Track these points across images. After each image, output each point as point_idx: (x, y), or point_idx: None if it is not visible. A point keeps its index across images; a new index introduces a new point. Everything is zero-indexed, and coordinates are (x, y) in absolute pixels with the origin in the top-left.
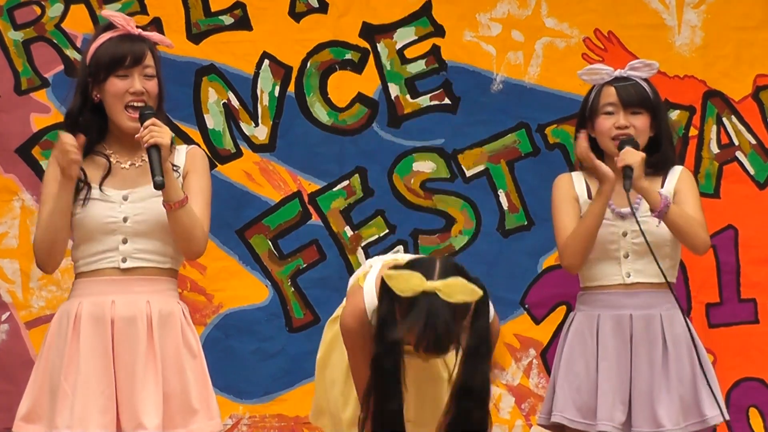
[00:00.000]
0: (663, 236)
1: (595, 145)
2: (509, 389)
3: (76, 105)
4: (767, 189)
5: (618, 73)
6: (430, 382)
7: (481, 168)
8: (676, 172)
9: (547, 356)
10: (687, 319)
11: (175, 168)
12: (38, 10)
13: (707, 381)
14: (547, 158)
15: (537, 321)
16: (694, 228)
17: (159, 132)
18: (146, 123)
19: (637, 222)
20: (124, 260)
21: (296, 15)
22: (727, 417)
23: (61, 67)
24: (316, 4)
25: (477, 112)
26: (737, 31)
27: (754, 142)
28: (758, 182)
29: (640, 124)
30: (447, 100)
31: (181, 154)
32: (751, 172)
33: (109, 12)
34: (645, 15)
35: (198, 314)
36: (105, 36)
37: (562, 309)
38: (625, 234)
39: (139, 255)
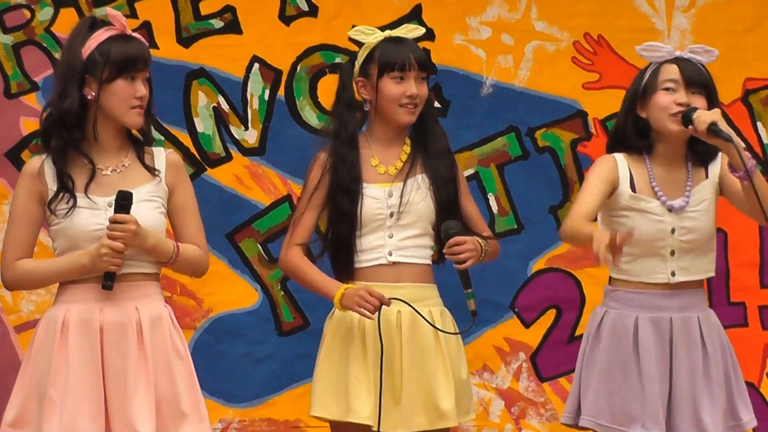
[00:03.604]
0: (708, 231)
1: (638, 128)
2: (499, 393)
3: (76, 103)
4: None
5: (678, 53)
6: (422, 354)
7: (471, 171)
8: (718, 160)
9: (536, 360)
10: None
11: (156, 172)
12: (28, 14)
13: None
14: (536, 162)
15: (527, 325)
16: None
17: (117, 257)
18: (116, 227)
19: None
20: None
21: (286, 18)
22: (755, 423)
23: (51, 70)
24: (306, 8)
25: (467, 116)
26: (726, 35)
27: (743, 145)
28: None
29: (700, 105)
30: (437, 104)
31: (161, 157)
32: None
33: (111, 11)
34: (635, 19)
35: (188, 318)
36: (103, 33)
37: (552, 312)
38: (673, 231)
39: (127, 261)
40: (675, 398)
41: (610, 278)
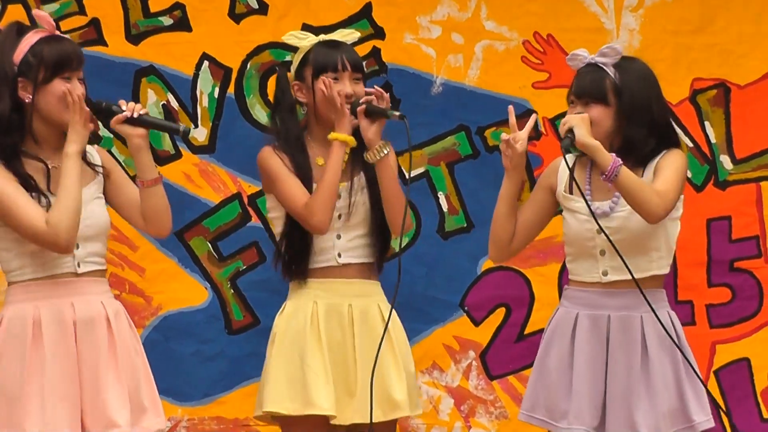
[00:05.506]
0: (641, 230)
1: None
2: (448, 391)
3: (8, 107)
4: (704, 191)
5: (591, 59)
6: (374, 346)
7: (421, 170)
8: (656, 159)
9: (486, 358)
10: (673, 317)
11: (97, 167)
12: None
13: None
14: (486, 161)
15: (476, 323)
16: (644, 194)
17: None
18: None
19: (595, 218)
20: (79, 265)
21: (236, 16)
22: (713, 424)
23: None
24: (255, 6)
25: (417, 115)
26: (674, 35)
27: (691, 145)
28: (695, 185)
29: (595, 115)
30: None
31: (95, 155)
32: (689, 174)
33: (39, 12)
34: (584, 18)
35: (137, 316)
36: (33, 36)
37: (501, 311)
38: (600, 231)
39: (90, 258)
40: (608, 397)
41: (568, 279)
